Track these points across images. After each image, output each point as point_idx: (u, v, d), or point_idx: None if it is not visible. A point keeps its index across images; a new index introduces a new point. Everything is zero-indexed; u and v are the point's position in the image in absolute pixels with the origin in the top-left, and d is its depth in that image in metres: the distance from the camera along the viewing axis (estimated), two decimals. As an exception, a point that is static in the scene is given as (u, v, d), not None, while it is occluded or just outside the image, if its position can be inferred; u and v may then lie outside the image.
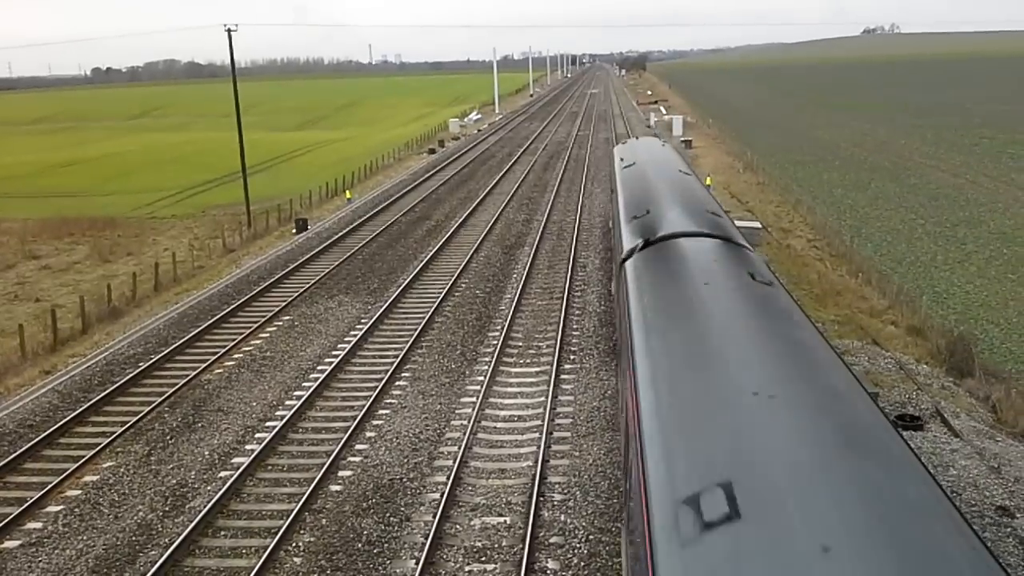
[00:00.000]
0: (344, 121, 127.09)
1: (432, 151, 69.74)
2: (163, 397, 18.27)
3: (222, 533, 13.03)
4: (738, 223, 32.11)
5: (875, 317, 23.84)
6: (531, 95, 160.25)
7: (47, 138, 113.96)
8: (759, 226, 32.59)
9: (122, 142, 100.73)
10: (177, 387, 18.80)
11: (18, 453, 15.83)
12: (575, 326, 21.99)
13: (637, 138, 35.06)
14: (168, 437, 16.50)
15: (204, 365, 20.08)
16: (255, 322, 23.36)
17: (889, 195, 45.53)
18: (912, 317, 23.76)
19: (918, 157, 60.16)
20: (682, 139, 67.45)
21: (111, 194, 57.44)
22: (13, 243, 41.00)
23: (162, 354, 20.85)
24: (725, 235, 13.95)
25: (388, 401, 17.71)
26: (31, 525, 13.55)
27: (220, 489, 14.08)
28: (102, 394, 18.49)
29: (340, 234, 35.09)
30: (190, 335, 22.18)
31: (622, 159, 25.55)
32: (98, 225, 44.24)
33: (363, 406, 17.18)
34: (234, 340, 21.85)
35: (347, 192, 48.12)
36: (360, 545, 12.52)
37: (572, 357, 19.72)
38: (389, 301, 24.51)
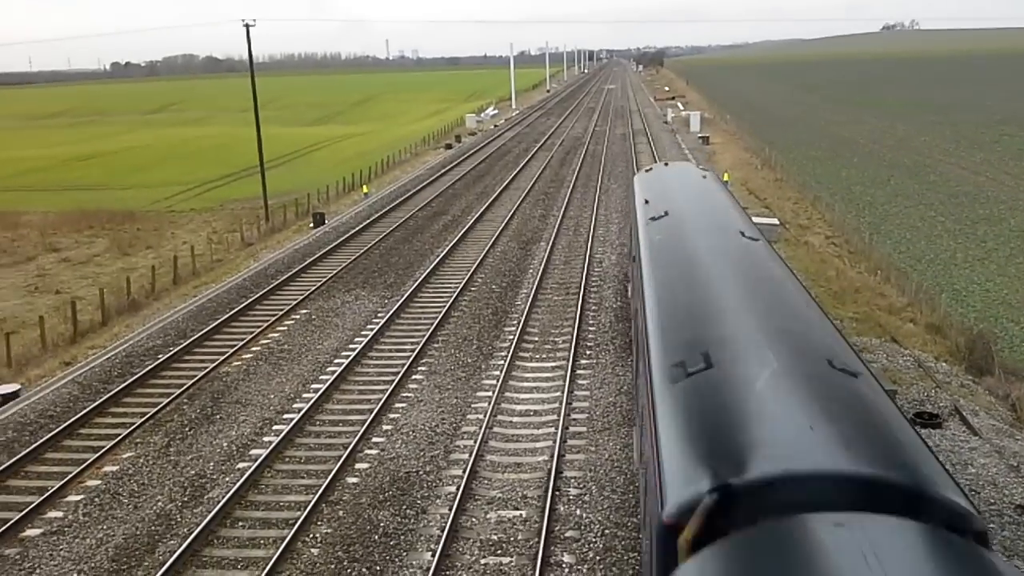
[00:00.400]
0: (361, 116, 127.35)
1: (448, 146, 69.82)
2: (182, 389, 18.43)
3: (240, 524, 13.14)
4: (756, 219, 31.96)
5: (894, 315, 23.70)
6: (548, 91, 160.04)
7: (67, 132, 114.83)
8: (777, 223, 32.46)
9: (141, 136, 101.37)
10: (196, 379, 18.95)
11: (39, 443, 16.02)
12: (591, 321, 21.99)
13: (667, 163, 24.84)
14: (187, 428, 16.65)
15: (223, 357, 20.23)
16: (273, 315, 23.50)
17: (908, 192, 45.21)
18: (931, 315, 23.61)
19: (938, 154, 59.68)
20: (699, 135, 67.20)
21: (130, 188, 57.86)
22: (34, 236, 41.40)
23: (181, 346, 21.01)
24: (923, 488, 5.83)
25: (404, 395, 17.79)
26: (52, 514, 13.71)
27: (238, 480, 14.20)
28: (122, 385, 18.67)
29: (357, 228, 35.21)
30: (209, 328, 22.35)
31: (647, 201, 17.44)
32: (117, 218, 44.60)
33: (380, 399, 17.26)
34: (252, 333, 21.99)
35: (364, 187, 48.27)
36: (376, 537, 12.59)
37: (588, 352, 19.72)
38: (406, 295, 24.59)
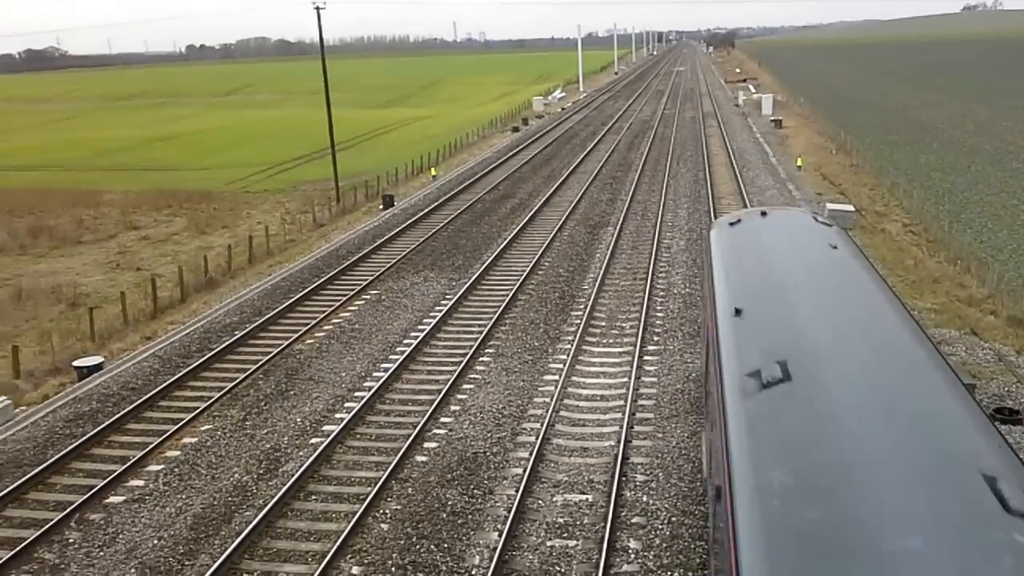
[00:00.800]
0: (429, 99, 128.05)
1: (516, 129, 69.80)
2: (257, 365, 18.94)
3: (313, 497, 13.49)
4: (830, 206, 31.19)
5: (974, 306, 22.96)
6: (616, 73, 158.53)
7: (144, 113, 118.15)
8: (852, 209, 31.68)
9: (215, 118, 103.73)
10: (271, 356, 19.46)
11: (122, 414, 16.67)
12: (659, 307, 21.84)
13: (764, 212, 14.14)
14: (262, 403, 17.12)
15: (296, 335, 20.71)
16: (344, 295, 23.94)
17: (990, 179, 43.57)
18: (1013, 307, 22.78)
19: (1021, 140, 57.35)
20: (772, 119, 65.83)
21: (206, 168, 59.33)
22: (115, 214, 42.82)
23: (256, 324, 21.57)
24: None
25: (472, 376, 17.97)
26: (134, 482, 14.28)
27: (312, 455, 14.57)
28: (200, 360, 19.27)
29: (425, 211, 35.56)
30: (283, 306, 22.88)
31: (738, 311, 9.55)
32: (195, 198, 45.81)
33: (448, 380, 17.48)
34: (324, 312, 22.45)
35: (432, 169, 48.64)
36: (445, 515, 12.80)
37: (655, 338, 19.62)
38: (473, 278, 24.77)
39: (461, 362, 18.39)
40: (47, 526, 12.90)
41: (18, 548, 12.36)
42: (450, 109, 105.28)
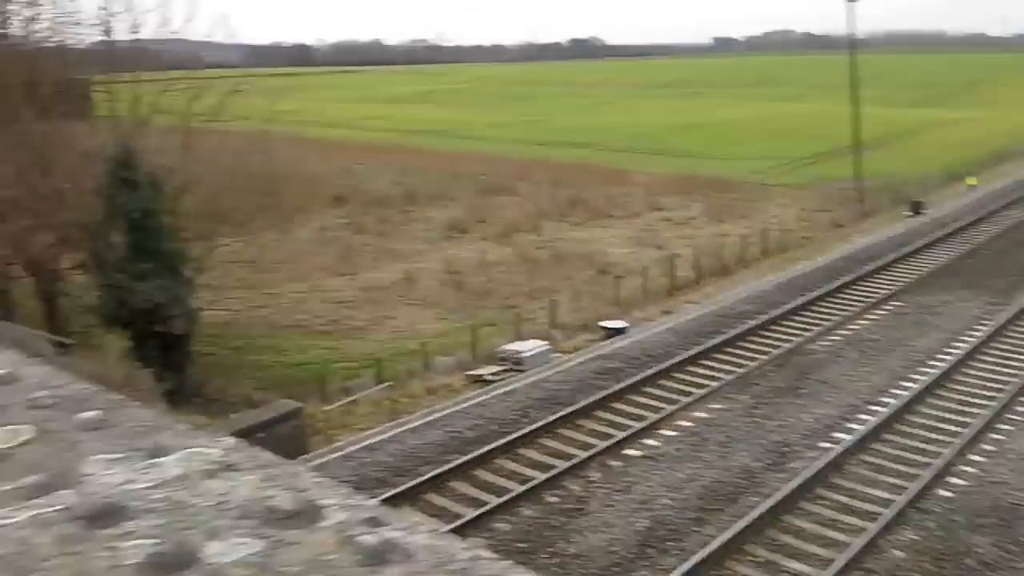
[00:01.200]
0: (968, 100, 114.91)
1: (1083, 141, 59.26)
2: (769, 357, 19.00)
3: (820, 501, 13.14)
4: None
5: None
6: None
7: (673, 102, 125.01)
8: None
9: (739, 109, 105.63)
10: (782, 350, 19.36)
11: (641, 377, 17.99)
12: None
13: None
14: (772, 395, 17.14)
15: (809, 335, 20.30)
16: (863, 302, 22.80)
17: None
18: None
19: None
20: None
21: (725, 159, 60.83)
22: (640, 194, 46.14)
23: (769, 316, 21.61)
24: None
25: (1012, 417, 15.85)
26: (649, 441, 15.34)
27: (821, 457, 14.19)
28: (713, 342, 19.92)
29: (961, 224, 32.14)
30: (797, 303, 22.58)
31: None
32: (714, 186, 47.28)
33: (982, 414, 15.65)
34: (840, 316, 21.64)
35: (970, 178, 43.71)
36: (970, 561, 11.55)
37: None
38: (1020, 305, 21.77)
39: (1000, 397, 16.32)
40: (574, 461, 14.51)
41: (550, 474, 14.12)
42: (995, 113, 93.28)
